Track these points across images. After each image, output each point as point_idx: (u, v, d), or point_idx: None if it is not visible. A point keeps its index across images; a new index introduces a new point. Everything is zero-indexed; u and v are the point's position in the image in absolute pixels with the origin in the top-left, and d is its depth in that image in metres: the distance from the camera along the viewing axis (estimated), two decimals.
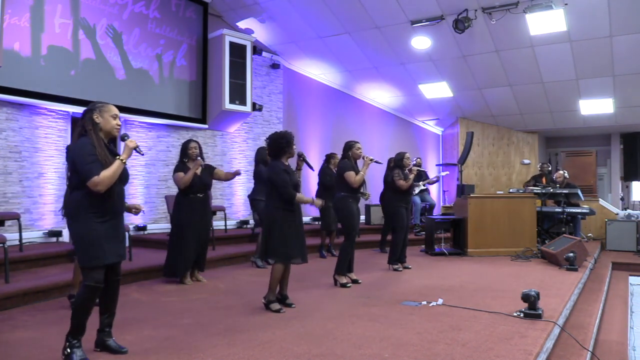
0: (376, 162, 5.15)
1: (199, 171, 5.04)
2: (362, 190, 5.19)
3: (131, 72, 7.19)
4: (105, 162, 2.71)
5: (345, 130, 10.07)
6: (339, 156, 7.03)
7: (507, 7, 7.27)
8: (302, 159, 4.35)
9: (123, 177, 2.87)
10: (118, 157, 2.77)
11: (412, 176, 5.98)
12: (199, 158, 5.02)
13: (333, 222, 6.92)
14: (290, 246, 3.96)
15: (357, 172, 5.01)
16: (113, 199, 2.79)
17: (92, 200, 2.72)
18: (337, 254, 5.30)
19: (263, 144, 5.95)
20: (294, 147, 4.11)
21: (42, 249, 5.56)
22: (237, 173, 5.13)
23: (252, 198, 6.32)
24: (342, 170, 5.02)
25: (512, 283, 5.07)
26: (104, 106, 2.84)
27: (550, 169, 9.73)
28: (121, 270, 2.99)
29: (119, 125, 2.87)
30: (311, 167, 4.31)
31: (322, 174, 7.15)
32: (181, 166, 5.03)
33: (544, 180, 9.20)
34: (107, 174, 2.69)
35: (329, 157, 7.21)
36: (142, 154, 2.97)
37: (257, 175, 6.24)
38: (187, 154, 5.06)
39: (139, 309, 4.01)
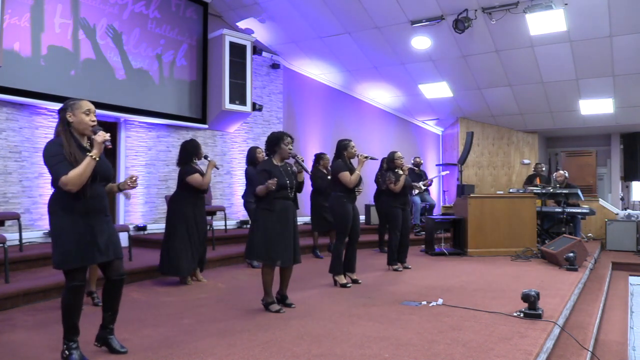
0: (372, 158, 5.09)
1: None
2: (357, 188, 5.17)
3: (131, 72, 7.19)
4: (75, 161, 2.63)
5: (345, 130, 10.07)
6: (328, 156, 7.02)
7: (507, 7, 7.27)
8: (296, 161, 4.32)
9: (102, 174, 2.77)
10: (88, 154, 2.66)
11: (402, 176, 5.86)
12: (210, 159, 5.06)
13: (324, 223, 6.87)
14: (272, 248, 3.84)
15: (352, 171, 4.99)
16: (87, 198, 2.69)
17: (68, 199, 2.66)
18: None
19: (262, 144, 5.96)
20: (286, 147, 3.99)
21: (42, 249, 5.56)
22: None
23: (244, 200, 6.34)
24: (337, 170, 5.00)
25: (512, 283, 5.07)
26: (76, 103, 2.76)
27: (544, 169, 9.73)
28: (123, 268, 2.90)
29: (94, 121, 2.76)
30: (306, 170, 4.28)
31: (312, 176, 7.08)
32: (193, 167, 5.02)
33: (538, 180, 9.21)
34: (76, 173, 2.60)
35: (318, 158, 7.14)
36: (109, 147, 2.79)
37: (246, 176, 6.26)
38: (197, 155, 5.09)
39: (139, 309, 4.01)
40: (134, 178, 3.04)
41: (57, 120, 2.80)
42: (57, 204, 2.71)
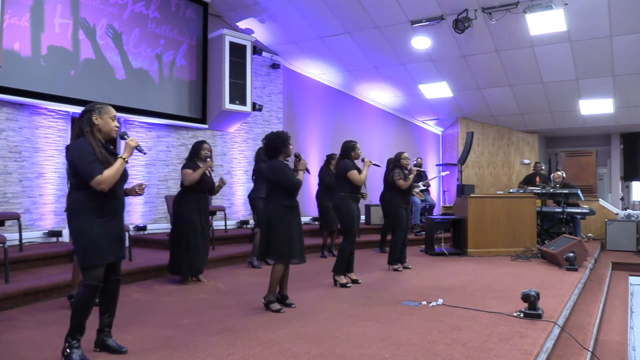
0: (375, 164, 5.16)
1: (208, 172, 5.16)
2: (361, 191, 5.21)
3: (131, 72, 7.19)
4: (106, 161, 2.73)
5: (345, 130, 10.07)
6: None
7: (507, 7, 7.27)
8: (298, 160, 4.33)
9: (123, 176, 2.87)
10: (119, 156, 2.79)
11: (411, 176, 5.98)
12: (209, 159, 5.10)
13: (333, 222, 6.93)
14: (291, 246, 3.95)
15: (358, 171, 5.02)
16: (115, 199, 2.81)
17: (94, 200, 2.73)
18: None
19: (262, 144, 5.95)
20: (291, 147, 4.10)
21: (42, 249, 5.57)
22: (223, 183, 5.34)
23: (252, 197, 6.30)
24: (345, 170, 5.01)
25: (512, 283, 5.07)
26: (104, 107, 2.85)
27: (543, 168, 9.74)
28: (120, 269, 2.97)
29: (118, 126, 2.89)
30: (308, 171, 4.31)
31: (322, 174, 7.14)
32: (191, 164, 5.10)
33: (537, 179, 9.21)
34: (110, 173, 2.70)
35: (329, 158, 7.19)
36: (144, 153, 3.03)
37: (257, 174, 6.23)
38: (198, 154, 5.14)
39: (139, 309, 4.01)
40: (142, 186, 3.12)
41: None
42: (84, 205, 2.74)
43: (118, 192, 2.84)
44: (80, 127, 2.80)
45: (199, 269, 5.18)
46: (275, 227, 3.93)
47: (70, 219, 2.81)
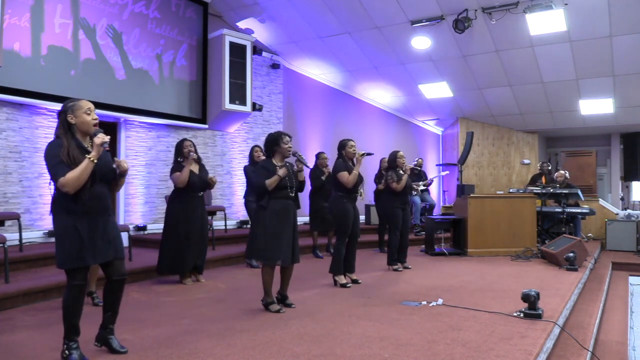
0: (368, 154, 5.01)
1: (197, 170, 5.06)
2: (359, 189, 5.18)
3: (131, 72, 7.19)
4: (74, 162, 2.62)
5: (345, 130, 10.06)
6: (325, 154, 7.04)
7: (507, 7, 7.27)
8: (297, 158, 4.30)
9: (103, 175, 2.75)
10: (87, 156, 2.64)
11: (405, 176, 5.85)
12: (191, 153, 4.97)
13: (323, 223, 6.88)
14: (272, 247, 3.83)
15: (350, 171, 4.97)
16: (93, 198, 2.69)
17: (67, 200, 2.67)
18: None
19: (262, 144, 5.93)
20: (285, 146, 3.98)
21: (42, 249, 5.56)
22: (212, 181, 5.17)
23: (245, 199, 6.33)
24: (335, 171, 5.03)
25: (512, 283, 5.07)
26: (76, 104, 2.73)
27: (550, 167, 9.73)
28: (124, 269, 2.87)
29: (96, 119, 2.76)
30: (306, 165, 4.27)
31: (312, 175, 7.05)
32: (177, 166, 5.05)
33: (543, 179, 9.20)
34: (73, 175, 2.59)
35: (316, 157, 7.10)
36: (107, 149, 2.76)
37: (245, 174, 6.28)
38: (181, 153, 5.05)
39: (139, 309, 4.01)
40: (119, 164, 2.86)
41: (57, 121, 2.78)
42: (58, 205, 2.72)
43: (95, 192, 2.72)
44: (56, 130, 2.73)
45: (197, 268, 5.17)
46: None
47: (52, 218, 2.76)
